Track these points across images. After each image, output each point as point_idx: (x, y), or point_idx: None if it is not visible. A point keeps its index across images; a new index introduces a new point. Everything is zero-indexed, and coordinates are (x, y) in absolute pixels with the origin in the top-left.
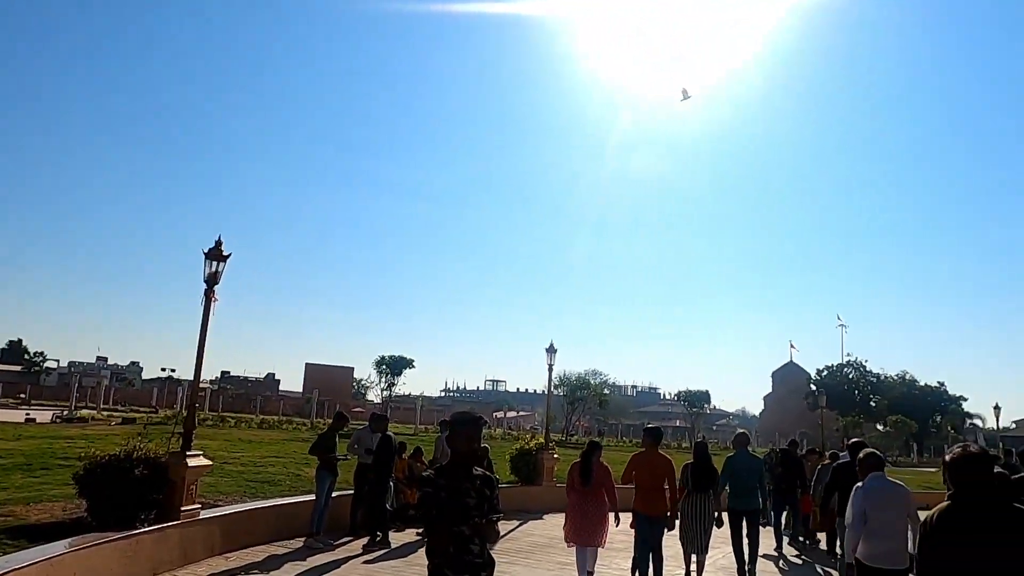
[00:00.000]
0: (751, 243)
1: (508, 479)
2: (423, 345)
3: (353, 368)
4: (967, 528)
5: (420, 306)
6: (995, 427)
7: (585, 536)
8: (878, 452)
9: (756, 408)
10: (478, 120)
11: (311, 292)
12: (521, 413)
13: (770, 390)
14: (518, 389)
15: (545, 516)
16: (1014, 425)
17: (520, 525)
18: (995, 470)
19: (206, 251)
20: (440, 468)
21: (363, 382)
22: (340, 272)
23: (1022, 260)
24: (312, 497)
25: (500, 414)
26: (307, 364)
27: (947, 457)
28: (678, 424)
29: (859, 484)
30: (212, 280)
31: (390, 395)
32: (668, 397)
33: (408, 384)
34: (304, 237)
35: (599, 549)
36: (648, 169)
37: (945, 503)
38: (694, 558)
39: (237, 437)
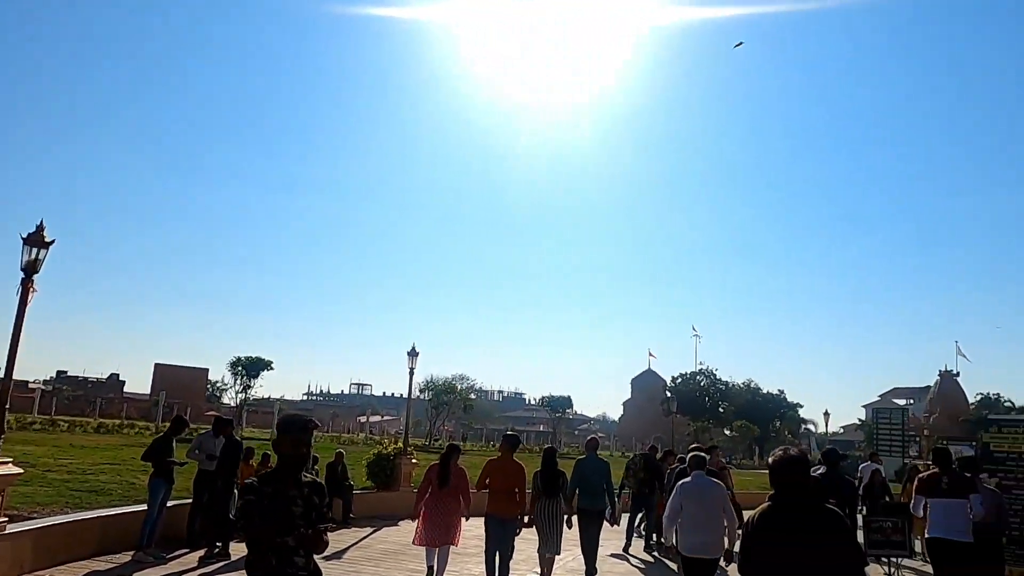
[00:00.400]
0: (615, 253)
1: (364, 485)
2: (284, 346)
3: (208, 369)
4: (782, 528)
5: (282, 306)
6: (825, 431)
7: (437, 537)
8: (702, 454)
9: (616, 413)
10: (354, 117)
11: (163, 288)
12: (386, 417)
13: (629, 396)
14: (384, 393)
15: (401, 522)
16: (842, 430)
17: (374, 532)
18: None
19: (25, 236)
20: (265, 475)
21: (218, 384)
22: (196, 268)
23: (855, 279)
24: (145, 507)
25: (364, 418)
26: (156, 364)
27: (769, 460)
28: (541, 428)
29: (681, 481)
30: (31, 269)
31: (246, 398)
32: (532, 402)
33: (267, 387)
34: (156, 229)
35: (450, 549)
36: (519, 176)
37: (766, 504)
38: (547, 559)
39: (68, 443)
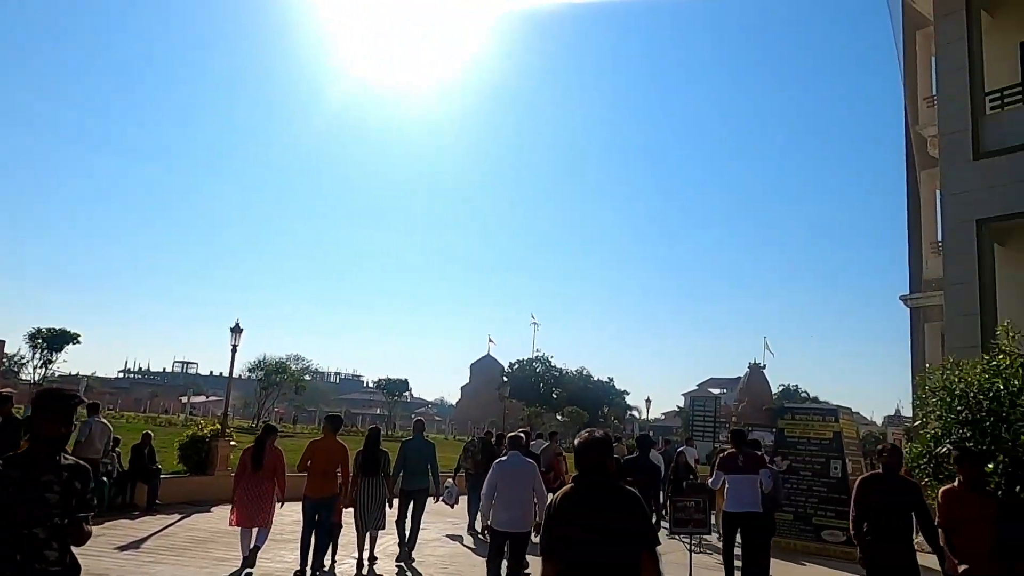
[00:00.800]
0: (455, 239)
1: (175, 469)
2: (98, 319)
3: (3, 342)
4: (579, 507)
5: (94, 276)
6: (646, 417)
7: (251, 518)
8: (521, 434)
9: (455, 398)
10: (200, 87)
11: None
12: (212, 397)
13: (468, 381)
14: (212, 372)
15: (214, 508)
16: (663, 416)
17: (182, 519)
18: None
19: None
20: (13, 457)
21: (15, 359)
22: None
23: (683, 275)
24: None
25: (185, 399)
26: None
27: (575, 442)
28: (378, 412)
29: (498, 459)
30: None
31: (46, 373)
32: (371, 385)
33: (76, 362)
34: None
35: (268, 531)
36: (364, 160)
37: (569, 484)
38: (368, 536)
39: None
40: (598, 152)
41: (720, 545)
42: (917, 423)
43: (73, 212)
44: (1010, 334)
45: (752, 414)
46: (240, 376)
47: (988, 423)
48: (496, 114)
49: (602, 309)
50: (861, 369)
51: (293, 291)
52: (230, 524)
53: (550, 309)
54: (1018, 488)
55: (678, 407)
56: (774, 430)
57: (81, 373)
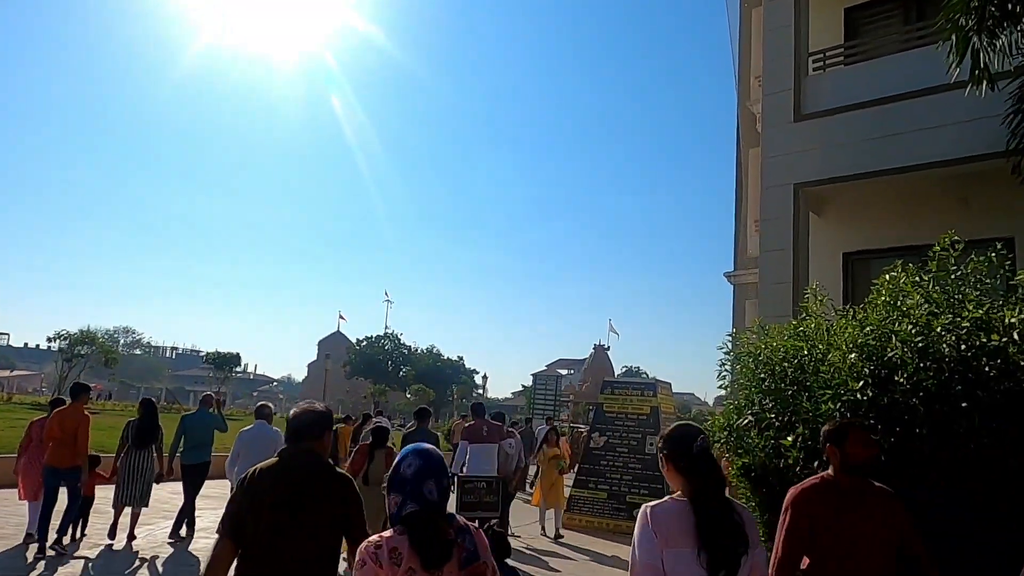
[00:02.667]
0: (310, 213)
1: None
2: None
3: None
4: (274, 482)
5: None
6: (483, 394)
7: (37, 492)
8: (268, 405)
9: (302, 375)
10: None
11: None
12: (22, 372)
13: (315, 358)
14: (26, 344)
15: None
16: (511, 395)
17: None
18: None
19: None
20: None
21: None
22: None
23: (535, 259)
24: None
25: None
26: None
27: (290, 412)
28: (218, 389)
29: (243, 429)
30: None
31: None
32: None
33: None
34: None
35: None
36: (216, 124)
37: (273, 458)
38: (128, 511)
39: None
40: (458, 129)
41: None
42: (722, 393)
43: None
44: (818, 298)
45: (595, 393)
46: (39, 347)
47: (791, 391)
48: (357, 83)
49: (457, 290)
50: (698, 351)
51: (132, 262)
52: (19, 498)
53: (405, 288)
54: (816, 464)
55: (523, 386)
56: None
57: None
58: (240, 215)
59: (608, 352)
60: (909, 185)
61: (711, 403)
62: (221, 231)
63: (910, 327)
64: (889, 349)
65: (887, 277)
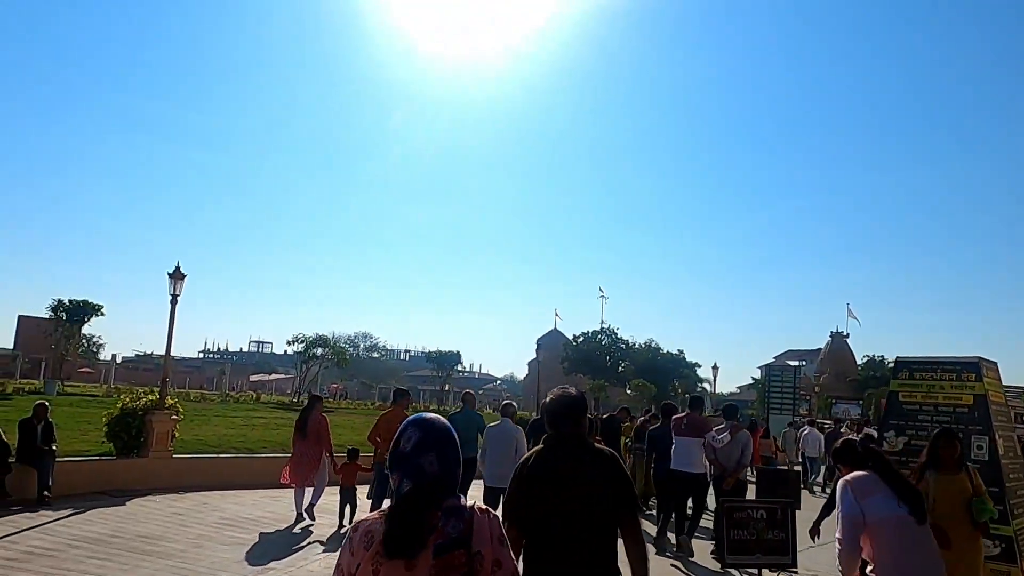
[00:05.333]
0: (523, 218)
1: (102, 450)
2: (183, 302)
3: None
4: (545, 467)
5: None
6: (713, 390)
7: (300, 478)
8: (512, 403)
9: (523, 373)
10: (266, 71)
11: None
12: (281, 376)
13: (534, 356)
14: (286, 351)
15: (133, 501)
16: (738, 390)
17: (72, 515)
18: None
19: None
20: None
21: (95, 340)
22: (83, 218)
23: (755, 244)
24: None
25: (256, 377)
26: (20, 317)
27: (547, 399)
28: (441, 388)
29: (489, 425)
30: None
31: (67, 349)
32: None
33: (153, 344)
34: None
35: (321, 489)
36: (426, 129)
37: (540, 445)
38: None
39: None
40: (662, 121)
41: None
42: None
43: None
44: None
45: (835, 386)
46: (285, 353)
47: None
48: (560, 81)
49: (672, 281)
50: (991, 337)
51: (362, 271)
52: (281, 481)
53: (619, 282)
54: None
55: (753, 379)
56: (860, 401)
57: (154, 353)
58: (458, 222)
59: (847, 340)
60: None
61: None
62: (440, 238)
63: None
64: None
65: None
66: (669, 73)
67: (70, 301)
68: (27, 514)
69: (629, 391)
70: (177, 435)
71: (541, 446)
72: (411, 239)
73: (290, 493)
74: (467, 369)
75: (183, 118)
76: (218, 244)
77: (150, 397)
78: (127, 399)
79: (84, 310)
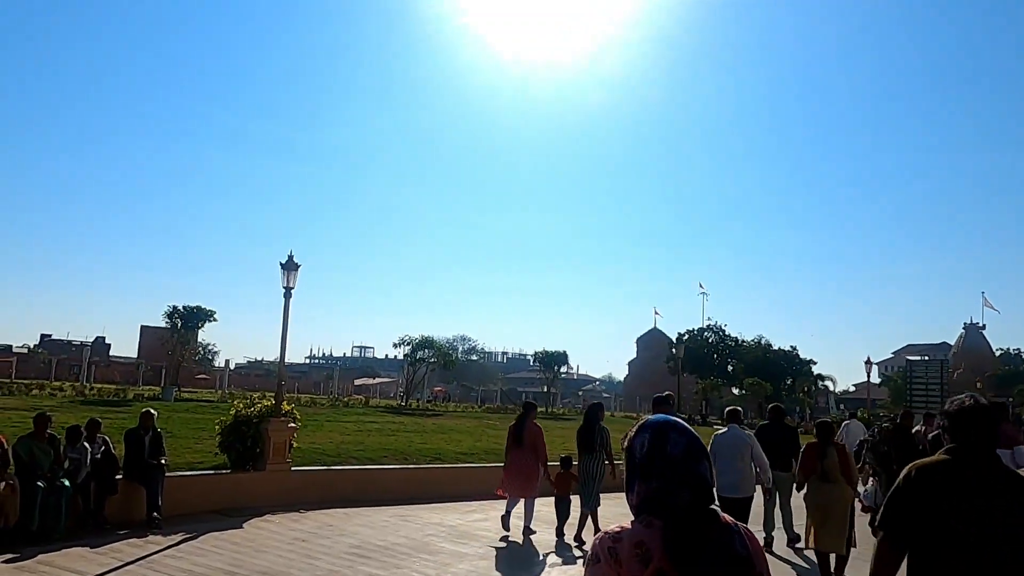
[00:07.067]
0: (617, 217)
1: (216, 463)
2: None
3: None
4: (967, 487)
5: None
6: (833, 389)
7: (515, 489)
8: (738, 408)
9: (622, 374)
10: (352, 85)
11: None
12: (384, 380)
13: (634, 355)
14: (387, 356)
15: (250, 522)
16: (854, 388)
17: (184, 541)
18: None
19: None
20: None
21: (210, 347)
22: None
23: (865, 237)
24: None
25: (360, 381)
26: (142, 327)
27: (947, 407)
28: (544, 390)
29: (717, 432)
30: None
31: (183, 355)
32: (537, 364)
33: (264, 351)
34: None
35: (532, 503)
36: (519, 134)
37: (931, 459)
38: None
39: None
40: (763, 112)
41: None
42: None
43: (263, 209)
44: None
45: (971, 382)
46: (396, 357)
47: None
48: (653, 78)
49: (776, 274)
50: None
51: (461, 274)
52: (496, 493)
53: (718, 278)
54: None
55: (882, 375)
56: (1011, 399)
57: (264, 359)
58: (553, 226)
59: (983, 332)
60: None
61: None
62: (531, 242)
63: None
64: None
65: None
66: (772, 57)
67: (184, 307)
68: (134, 540)
69: (739, 391)
70: (295, 445)
71: (937, 458)
72: (502, 242)
73: (419, 512)
74: (572, 370)
75: (290, 136)
76: (322, 253)
77: (265, 402)
78: (240, 405)
79: (198, 316)
